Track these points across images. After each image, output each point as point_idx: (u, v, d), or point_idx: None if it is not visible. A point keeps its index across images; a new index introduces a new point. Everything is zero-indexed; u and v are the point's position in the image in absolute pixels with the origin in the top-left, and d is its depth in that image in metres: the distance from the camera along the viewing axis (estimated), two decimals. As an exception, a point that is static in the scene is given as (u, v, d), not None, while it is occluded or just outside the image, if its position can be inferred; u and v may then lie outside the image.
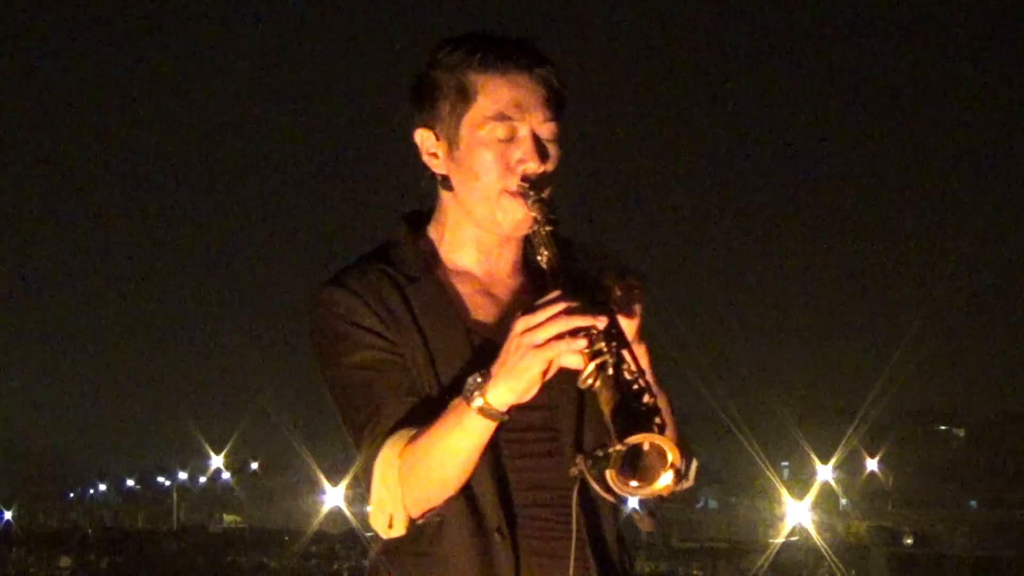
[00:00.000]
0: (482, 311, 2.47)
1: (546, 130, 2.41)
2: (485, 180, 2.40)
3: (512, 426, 2.33)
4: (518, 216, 2.41)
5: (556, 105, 2.43)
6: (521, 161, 2.39)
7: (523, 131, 2.39)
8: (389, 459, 2.37)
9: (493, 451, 2.37)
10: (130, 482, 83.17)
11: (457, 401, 2.29)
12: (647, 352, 2.37)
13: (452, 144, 2.42)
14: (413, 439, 2.34)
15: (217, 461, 63.66)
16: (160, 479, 78.50)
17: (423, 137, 2.46)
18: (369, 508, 2.44)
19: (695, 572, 33.31)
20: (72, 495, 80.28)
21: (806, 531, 40.65)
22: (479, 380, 2.26)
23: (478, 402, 2.25)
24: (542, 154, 2.40)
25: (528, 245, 2.50)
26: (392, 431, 2.38)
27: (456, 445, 2.30)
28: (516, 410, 2.29)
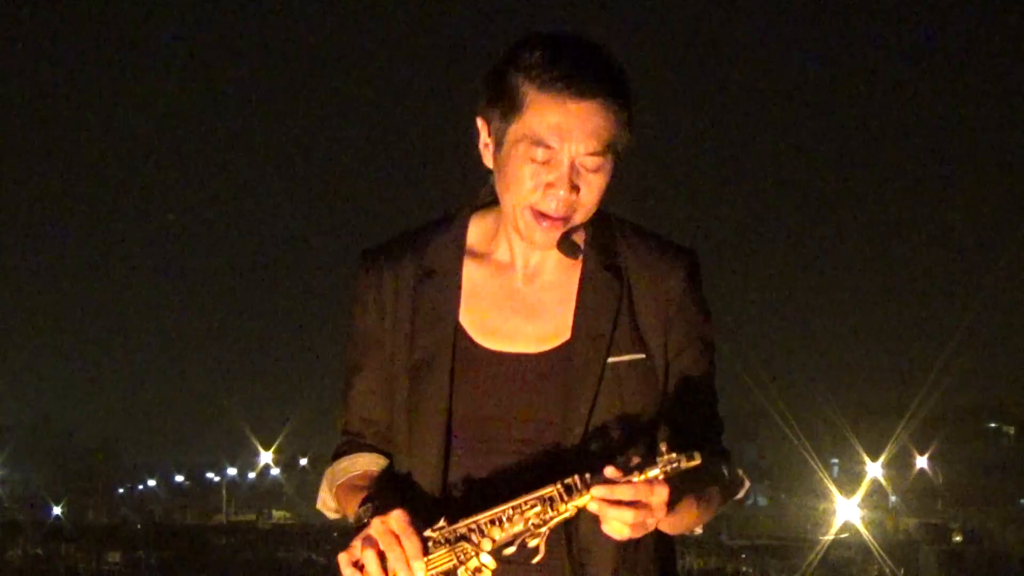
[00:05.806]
0: (492, 312, 2.52)
1: (589, 161, 2.38)
2: (514, 193, 2.42)
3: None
4: (535, 236, 2.44)
5: (611, 133, 2.39)
6: (551, 185, 2.39)
7: (561, 157, 2.38)
8: (331, 476, 2.65)
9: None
10: (179, 478, 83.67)
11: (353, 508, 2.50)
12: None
13: (497, 145, 2.44)
14: (340, 481, 2.61)
15: (266, 457, 64.00)
16: (209, 475, 78.94)
17: (479, 126, 2.49)
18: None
19: (745, 569, 33.25)
20: (122, 491, 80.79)
21: (855, 528, 40.51)
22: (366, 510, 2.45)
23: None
24: (575, 185, 2.39)
25: (587, 228, 2.52)
26: (348, 430, 2.67)
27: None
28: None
